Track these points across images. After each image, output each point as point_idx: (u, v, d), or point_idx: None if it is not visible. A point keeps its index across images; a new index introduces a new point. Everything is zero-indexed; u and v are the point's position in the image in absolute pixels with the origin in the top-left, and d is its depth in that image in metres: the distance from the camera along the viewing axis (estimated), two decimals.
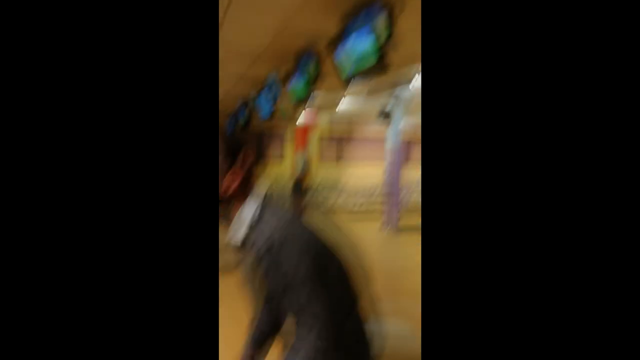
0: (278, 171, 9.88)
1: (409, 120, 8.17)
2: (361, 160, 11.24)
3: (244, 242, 0.92)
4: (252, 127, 6.54)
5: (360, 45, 2.45)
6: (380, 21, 2.27)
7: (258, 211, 0.91)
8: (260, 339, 1.23)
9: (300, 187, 5.81)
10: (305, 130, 10.41)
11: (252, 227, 0.90)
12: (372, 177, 10.51)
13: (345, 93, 5.84)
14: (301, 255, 0.84)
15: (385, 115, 6.81)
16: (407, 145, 10.53)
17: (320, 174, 10.72)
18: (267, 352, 1.26)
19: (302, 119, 8.26)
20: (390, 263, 5.17)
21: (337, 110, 6.82)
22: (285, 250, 0.84)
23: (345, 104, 6.24)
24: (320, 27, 2.88)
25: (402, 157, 7.39)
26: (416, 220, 7.17)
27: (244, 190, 0.93)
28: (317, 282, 0.85)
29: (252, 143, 0.98)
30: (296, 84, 3.65)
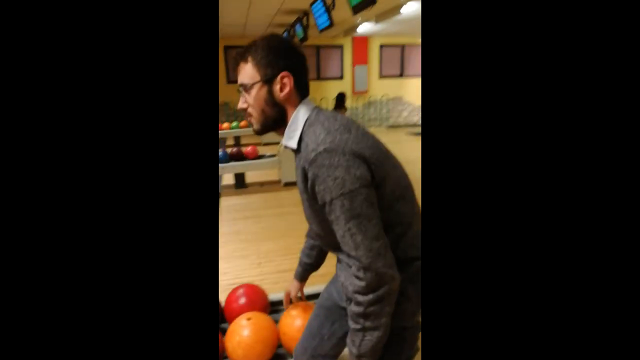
0: (337, 86, 9.62)
1: None
2: None
3: (297, 150, 0.89)
4: (309, 40, 6.28)
5: None
6: None
7: (309, 119, 0.88)
8: (310, 253, 1.28)
9: (342, 102, 5.59)
10: (365, 41, 9.81)
11: (303, 134, 0.87)
12: None
13: None
14: (347, 169, 0.77)
15: None
16: None
17: (382, 88, 10.27)
18: (319, 265, 1.31)
19: (361, 28, 7.73)
20: None
21: (400, 16, 6.25)
22: (327, 164, 0.78)
23: (410, 8, 5.68)
24: None
25: None
26: None
27: (296, 96, 0.90)
28: (364, 196, 0.78)
29: (304, 52, 0.93)
30: None
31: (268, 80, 0.87)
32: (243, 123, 7.20)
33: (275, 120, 0.90)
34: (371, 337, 0.82)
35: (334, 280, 1.13)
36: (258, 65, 0.87)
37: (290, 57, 0.88)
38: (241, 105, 0.92)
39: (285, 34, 7.30)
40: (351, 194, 0.78)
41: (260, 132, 0.93)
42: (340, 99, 5.63)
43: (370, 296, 0.79)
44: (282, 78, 0.87)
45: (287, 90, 0.87)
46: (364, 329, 0.82)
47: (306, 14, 5.79)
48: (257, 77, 0.87)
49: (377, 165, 0.82)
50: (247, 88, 0.89)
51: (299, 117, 0.89)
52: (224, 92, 9.44)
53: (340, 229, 0.80)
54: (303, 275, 1.33)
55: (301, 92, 0.90)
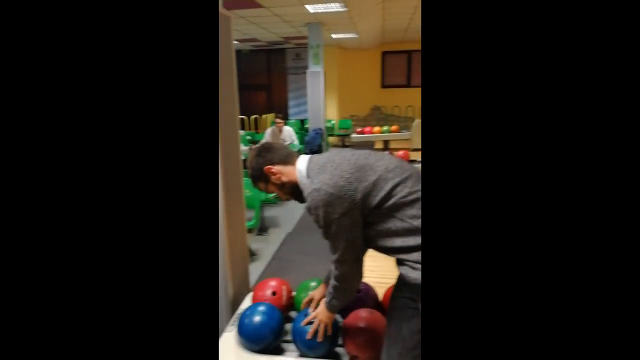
0: None
1: None
2: None
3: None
4: None
5: None
6: None
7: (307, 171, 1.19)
8: None
9: None
10: None
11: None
12: None
13: None
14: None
15: None
16: None
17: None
18: None
19: None
20: None
21: None
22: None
23: None
24: None
25: None
26: None
27: (289, 166, 1.24)
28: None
29: None
30: None
31: (265, 180, 1.23)
32: (394, 127, 7.23)
33: (293, 191, 1.22)
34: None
35: (400, 280, 1.22)
36: (254, 180, 1.26)
37: (261, 155, 1.22)
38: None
39: None
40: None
41: (296, 200, 1.23)
42: None
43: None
44: (269, 170, 1.20)
45: (277, 174, 1.20)
46: None
47: None
48: (262, 185, 1.25)
49: (363, 189, 1.05)
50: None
51: (298, 177, 1.19)
52: (378, 96, 9.64)
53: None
54: (327, 280, 1.43)
55: (289, 161, 1.20)
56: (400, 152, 4.63)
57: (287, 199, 1.26)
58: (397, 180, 1.05)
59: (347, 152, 1.14)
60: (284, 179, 1.20)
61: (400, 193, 1.04)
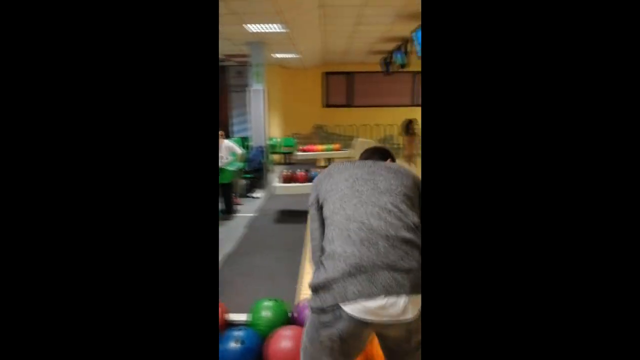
0: None
1: None
2: None
3: None
4: (410, 66, 6.30)
5: None
6: None
7: None
8: None
9: (408, 128, 5.74)
10: None
11: None
12: None
13: None
14: (309, 196, 1.26)
15: None
16: None
17: None
18: None
19: None
20: None
21: None
22: None
23: None
24: None
25: None
26: None
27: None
28: (310, 213, 1.22)
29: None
30: None
31: None
32: (336, 146, 7.40)
33: None
34: None
35: None
36: None
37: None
38: None
39: (383, 62, 7.42)
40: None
41: None
42: (406, 125, 5.88)
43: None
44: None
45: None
46: None
47: (407, 41, 5.85)
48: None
49: (321, 192, 1.22)
50: None
51: None
52: (320, 115, 9.83)
53: None
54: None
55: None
56: None
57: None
58: (337, 204, 1.15)
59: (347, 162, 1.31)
60: None
61: (336, 216, 1.14)
